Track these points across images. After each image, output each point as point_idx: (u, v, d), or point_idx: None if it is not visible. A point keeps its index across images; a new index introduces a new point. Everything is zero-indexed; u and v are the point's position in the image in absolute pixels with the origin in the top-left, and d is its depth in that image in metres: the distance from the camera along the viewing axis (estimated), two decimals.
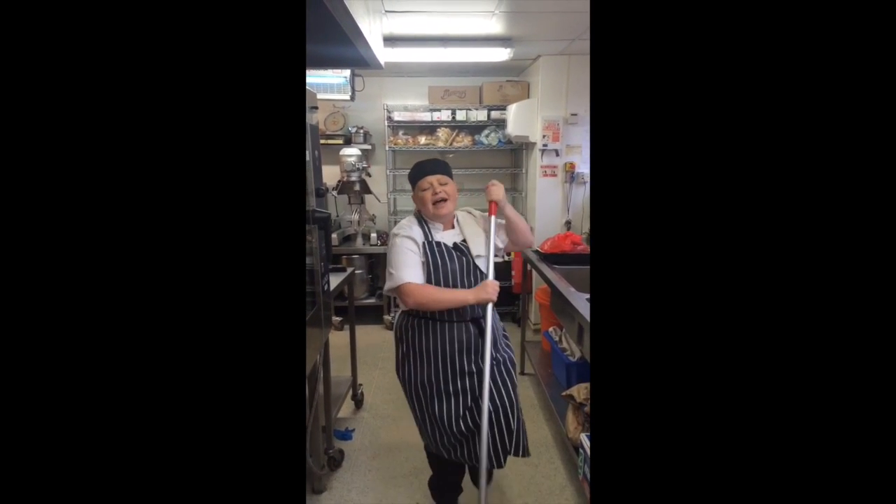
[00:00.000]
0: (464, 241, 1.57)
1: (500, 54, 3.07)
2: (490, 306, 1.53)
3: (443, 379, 1.55)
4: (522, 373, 3.02)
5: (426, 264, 1.50)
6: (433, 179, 1.53)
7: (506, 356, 1.64)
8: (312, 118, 1.69)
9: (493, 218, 1.59)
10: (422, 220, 1.58)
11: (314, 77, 3.15)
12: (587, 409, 1.86)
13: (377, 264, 4.06)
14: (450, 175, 1.58)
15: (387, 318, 3.90)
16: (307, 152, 1.61)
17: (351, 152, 3.64)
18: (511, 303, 3.85)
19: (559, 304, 2.32)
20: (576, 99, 3.42)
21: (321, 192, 1.73)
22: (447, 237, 1.57)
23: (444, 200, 1.52)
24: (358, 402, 2.68)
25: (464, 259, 1.53)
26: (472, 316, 1.55)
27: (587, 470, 1.71)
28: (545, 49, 3.26)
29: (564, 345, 2.55)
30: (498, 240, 1.63)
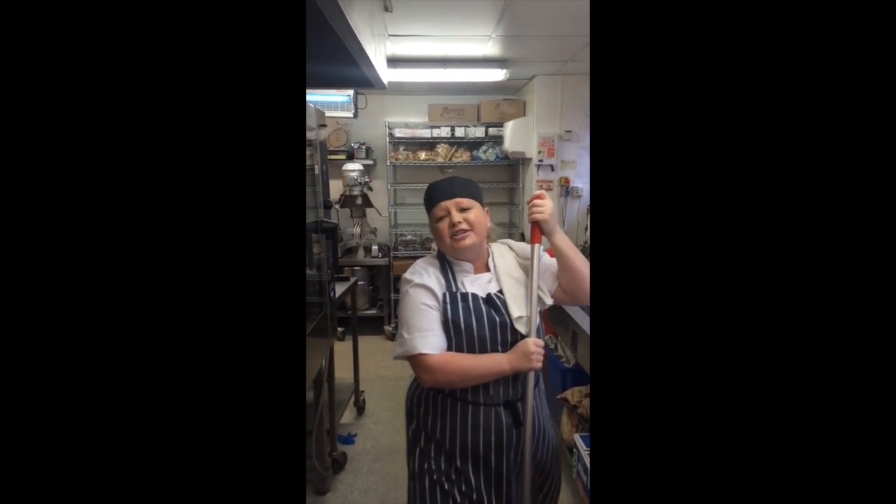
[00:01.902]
0: (500, 291, 1.14)
1: (497, 75, 3.21)
2: (531, 380, 1.09)
3: (464, 482, 1.12)
4: None
5: (446, 323, 1.10)
6: (449, 205, 1.12)
7: (549, 457, 1.21)
8: (321, 135, 1.81)
9: (536, 248, 1.13)
10: (445, 259, 1.18)
11: (319, 95, 3.29)
12: (580, 410, 1.95)
13: (378, 276, 4.16)
14: (475, 196, 1.15)
15: (387, 328, 3.99)
16: (316, 167, 1.73)
17: (353, 167, 3.77)
18: None
19: (555, 313, 2.41)
20: (570, 116, 3.56)
21: (329, 205, 1.84)
22: (478, 285, 1.15)
23: (466, 231, 1.10)
24: (360, 408, 2.75)
25: (497, 319, 1.10)
26: (504, 398, 1.11)
27: (580, 469, 1.79)
28: (540, 70, 3.41)
29: (560, 352, 2.64)
30: (544, 286, 1.18)
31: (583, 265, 1.14)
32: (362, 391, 2.82)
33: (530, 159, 3.73)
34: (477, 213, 1.14)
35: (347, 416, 2.68)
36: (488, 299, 1.12)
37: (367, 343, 3.77)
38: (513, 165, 4.23)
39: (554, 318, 2.50)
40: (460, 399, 1.12)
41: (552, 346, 2.73)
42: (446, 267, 1.16)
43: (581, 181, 3.66)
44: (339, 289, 2.34)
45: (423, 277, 1.13)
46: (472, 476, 1.12)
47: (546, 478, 1.22)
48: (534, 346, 1.07)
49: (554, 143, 3.59)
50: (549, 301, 1.18)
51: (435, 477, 1.13)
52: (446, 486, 1.12)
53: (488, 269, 1.18)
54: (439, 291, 1.12)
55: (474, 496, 1.11)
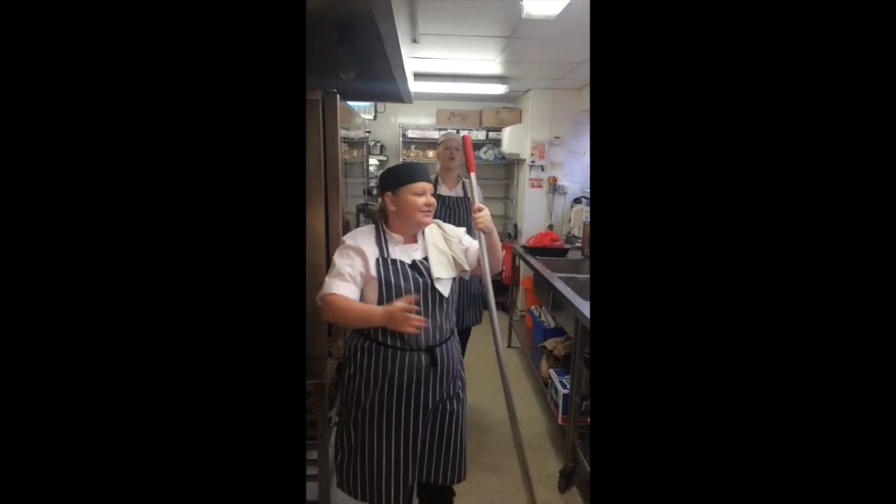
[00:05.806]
0: (425, 258, 1.39)
1: (497, 88, 3.81)
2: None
3: (389, 409, 1.38)
4: (510, 346, 3.73)
5: (379, 281, 1.33)
6: (427, 187, 1.38)
7: (455, 408, 1.45)
8: (367, 136, 2.41)
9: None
10: (381, 231, 1.41)
11: (349, 103, 3.88)
12: (554, 353, 2.57)
13: None
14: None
15: None
16: (364, 162, 2.33)
17: (370, 162, 4.35)
18: (501, 293, 4.55)
19: (539, 285, 3.03)
20: (559, 125, 4.16)
21: (370, 191, 2.44)
22: (406, 254, 1.39)
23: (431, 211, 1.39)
24: None
25: (420, 281, 1.35)
26: (426, 344, 1.37)
27: (552, 393, 2.41)
28: (534, 85, 4.01)
29: (543, 318, 3.25)
30: (464, 258, 1.46)
31: (499, 244, 1.46)
32: None
33: (524, 160, 4.33)
34: None
35: None
36: (413, 265, 1.37)
37: None
38: (509, 165, 4.84)
39: (538, 289, 3.12)
40: (390, 346, 1.35)
41: (537, 314, 3.35)
42: (381, 236, 1.39)
43: (566, 180, 4.27)
44: None
45: (358, 240, 1.36)
46: (394, 404, 1.38)
47: (448, 401, 1.45)
48: (404, 307, 1.23)
49: (545, 147, 4.19)
50: (466, 267, 1.45)
51: (363, 404, 1.38)
52: (369, 414, 1.38)
53: (415, 241, 1.42)
54: (371, 256, 1.33)
55: (394, 420, 1.38)
